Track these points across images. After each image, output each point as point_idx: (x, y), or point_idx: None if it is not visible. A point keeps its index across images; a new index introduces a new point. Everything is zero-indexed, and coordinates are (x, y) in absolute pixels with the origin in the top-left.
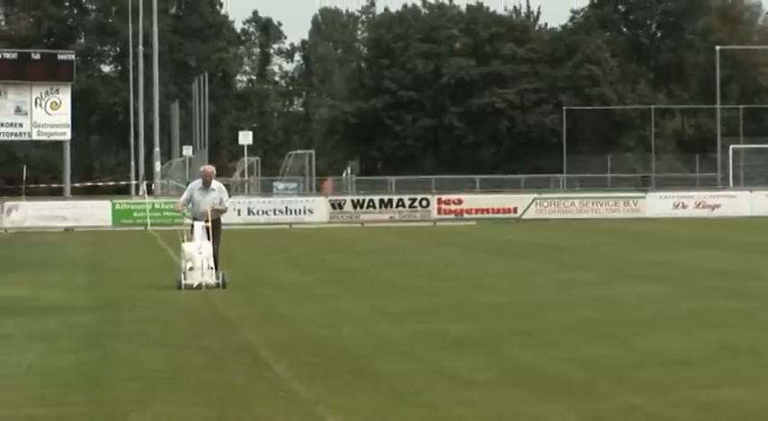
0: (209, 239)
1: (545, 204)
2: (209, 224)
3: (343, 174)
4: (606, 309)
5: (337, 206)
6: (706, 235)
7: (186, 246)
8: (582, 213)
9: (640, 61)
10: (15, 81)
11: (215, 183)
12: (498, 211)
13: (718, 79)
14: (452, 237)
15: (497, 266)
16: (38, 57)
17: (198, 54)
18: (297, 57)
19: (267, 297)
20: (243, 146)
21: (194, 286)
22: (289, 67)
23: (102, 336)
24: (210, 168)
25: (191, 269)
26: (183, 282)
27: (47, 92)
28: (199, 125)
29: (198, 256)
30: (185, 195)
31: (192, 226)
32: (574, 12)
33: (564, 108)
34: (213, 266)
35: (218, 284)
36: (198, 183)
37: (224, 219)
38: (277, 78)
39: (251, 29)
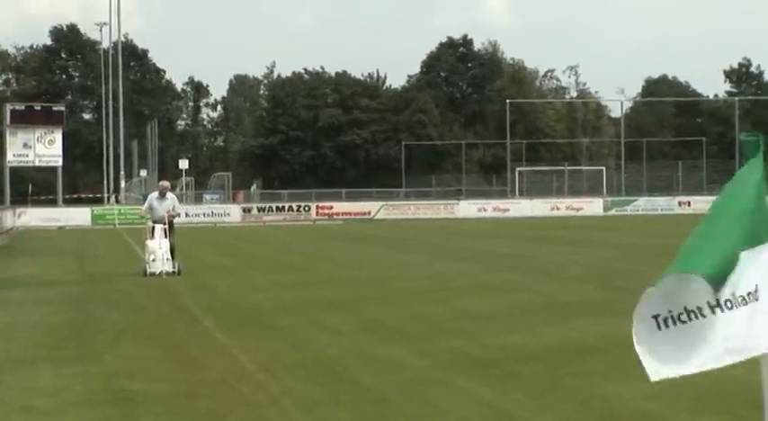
0: (166, 237)
1: (390, 209)
2: (167, 225)
3: (251, 189)
4: (432, 280)
5: (247, 211)
6: (500, 230)
7: (149, 243)
8: (415, 215)
9: (455, 110)
10: (23, 125)
11: (169, 195)
12: (358, 214)
13: (507, 123)
14: (326, 232)
15: (357, 251)
16: (39, 108)
17: (150, 106)
18: (219, 108)
19: (199, 274)
20: (182, 169)
21: (157, 274)
22: (213, 114)
23: (85, 302)
24: (166, 183)
25: (153, 260)
26: (149, 270)
27: (45, 132)
28: (151, 155)
29: (159, 250)
30: (147, 204)
31: (153, 227)
32: (409, 76)
33: (403, 143)
34: (171, 258)
35: (174, 272)
36: (156, 194)
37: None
38: (205, 123)
39: (187, 88)
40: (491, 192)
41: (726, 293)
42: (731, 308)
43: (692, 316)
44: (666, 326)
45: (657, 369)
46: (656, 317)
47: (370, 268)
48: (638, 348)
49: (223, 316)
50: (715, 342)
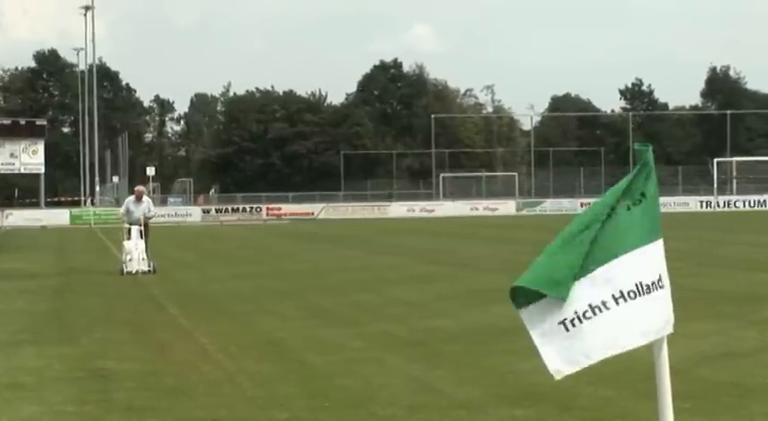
0: (141, 238)
1: (331, 210)
2: (142, 227)
3: (210, 193)
4: (367, 272)
5: (206, 212)
6: (427, 228)
7: (126, 244)
8: (353, 215)
9: (387, 124)
10: (10, 137)
11: (145, 198)
12: (303, 214)
13: (432, 134)
14: (276, 230)
15: (302, 247)
16: (23, 123)
17: (121, 121)
18: (181, 122)
19: (165, 267)
20: (149, 176)
21: (133, 272)
22: (177, 128)
23: (64, 292)
24: (142, 188)
25: (130, 260)
26: (125, 270)
27: (29, 144)
28: (122, 163)
29: (135, 251)
30: (124, 207)
31: (130, 228)
32: (347, 94)
33: (341, 153)
34: (146, 257)
35: (149, 271)
36: (132, 198)
37: None
38: (170, 135)
39: (154, 105)
40: (419, 195)
41: (629, 285)
42: (635, 298)
43: (597, 310)
44: (573, 325)
45: (561, 368)
46: (563, 322)
47: (313, 261)
48: (543, 354)
49: (186, 304)
50: (619, 329)
